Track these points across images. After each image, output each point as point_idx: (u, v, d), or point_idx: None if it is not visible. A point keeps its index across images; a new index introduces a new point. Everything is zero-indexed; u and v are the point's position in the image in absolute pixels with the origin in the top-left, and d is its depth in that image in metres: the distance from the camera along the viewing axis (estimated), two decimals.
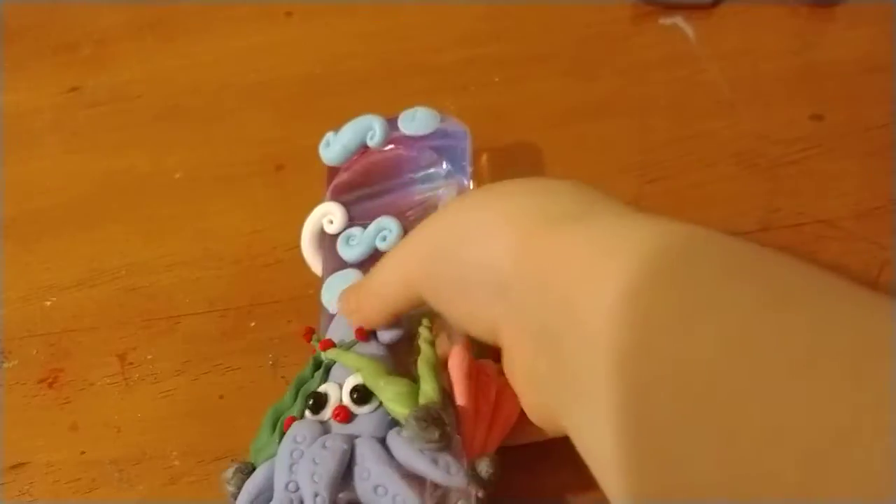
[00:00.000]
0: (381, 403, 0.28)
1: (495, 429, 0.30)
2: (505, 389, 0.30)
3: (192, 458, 0.36)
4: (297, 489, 0.26)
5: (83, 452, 0.38)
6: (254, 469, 0.29)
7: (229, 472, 0.29)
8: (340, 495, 0.27)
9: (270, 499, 0.27)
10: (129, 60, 0.55)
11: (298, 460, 0.27)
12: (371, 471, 0.26)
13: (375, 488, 0.26)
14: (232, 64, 0.54)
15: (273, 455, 0.28)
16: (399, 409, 0.28)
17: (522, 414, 0.30)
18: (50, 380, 0.40)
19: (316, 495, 0.26)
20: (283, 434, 0.29)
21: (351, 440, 0.27)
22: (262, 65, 0.53)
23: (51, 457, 0.38)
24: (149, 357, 0.40)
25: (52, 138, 0.52)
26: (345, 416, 0.28)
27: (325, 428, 0.28)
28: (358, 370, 0.29)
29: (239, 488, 0.28)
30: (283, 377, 0.38)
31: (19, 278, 0.45)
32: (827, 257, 0.38)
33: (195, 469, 0.36)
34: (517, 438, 0.31)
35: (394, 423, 0.28)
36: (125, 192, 0.48)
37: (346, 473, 0.27)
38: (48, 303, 0.43)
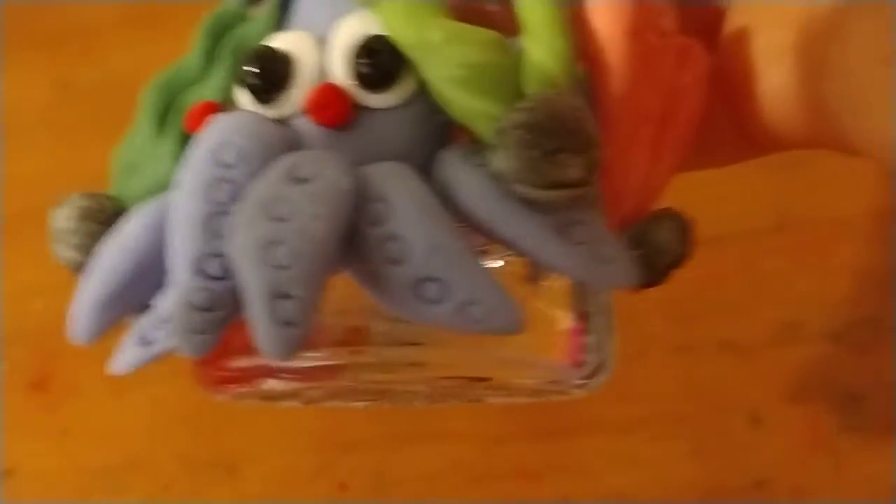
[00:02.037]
0: (422, 86, 0.13)
1: (668, 143, 0.15)
2: (688, 62, 0.15)
3: (186, 465, 0.36)
4: (224, 277, 0.12)
5: (74, 459, 0.37)
6: (121, 213, 0.14)
7: (67, 218, 0.14)
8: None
9: (158, 287, 0.14)
10: (121, 55, 0.55)
11: (228, 206, 0.12)
12: (413, 243, 0.12)
13: (420, 283, 0.12)
14: None
15: (165, 185, 0.13)
16: (476, 100, 0.12)
17: (710, 114, 0.16)
18: (40, 384, 0.39)
19: (286, 298, 0.11)
20: (185, 140, 0.14)
21: (357, 168, 0.13)
22: None
23: (41, 463, 0.37)
24: None
25: (43, 134, 0.51)
26: (339, 110, 0.13)
27: (288, 135, 0.13)
28: None
29: (87, 251, 0.15)
30: None
31: (8, 279, 0.44)
32: (842, 257, 0.37)
33: (189, 476, 0.35)
34: (702, 159, 0.17)
35: (450, 130, 0.13)
36: None
37: (347, 242, 0.12)
38: (38, 305, 0.42)
